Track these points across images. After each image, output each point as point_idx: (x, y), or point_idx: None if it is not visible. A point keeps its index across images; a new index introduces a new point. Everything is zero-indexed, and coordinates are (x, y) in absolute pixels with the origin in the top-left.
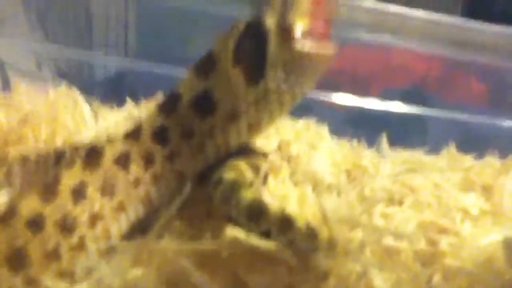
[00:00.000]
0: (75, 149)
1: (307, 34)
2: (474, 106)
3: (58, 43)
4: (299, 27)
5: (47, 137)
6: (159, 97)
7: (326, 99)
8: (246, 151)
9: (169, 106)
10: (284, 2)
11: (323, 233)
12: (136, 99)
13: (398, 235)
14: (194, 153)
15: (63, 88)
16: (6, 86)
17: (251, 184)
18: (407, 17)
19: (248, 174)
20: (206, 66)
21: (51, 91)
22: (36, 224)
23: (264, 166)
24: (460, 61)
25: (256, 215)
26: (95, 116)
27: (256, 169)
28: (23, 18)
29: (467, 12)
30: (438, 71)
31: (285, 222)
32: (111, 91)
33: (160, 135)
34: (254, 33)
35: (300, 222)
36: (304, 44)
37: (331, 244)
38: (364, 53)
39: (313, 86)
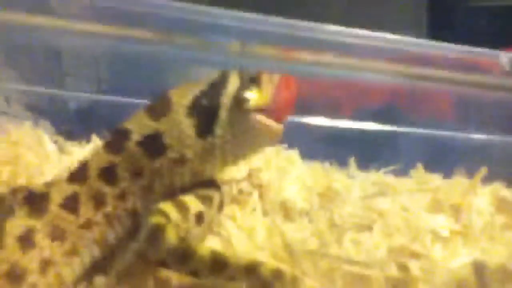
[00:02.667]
0: (14, 193)
1: (262, 109)
2: (443, 122)
3: (27, 79)
4: (254, 101)
5: (8, 178)
6: None
7: (298, 121)
8: (198, 184)
9: (117, 144)
10: (247, 74)
11: (265, 271)
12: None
13: (368, 264)
14: (144, 191)
15: (27, 127)
16: None
17: (199, 217)
18: (373, 39)
19: (194, 207)
20: (160, 109)
21: (13, 130)
22: None
23: (217, 197)
24: (427, 79)
25: (182, 259)
26: (61, 153)
27: (208, 201)
28: None
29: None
30: (407, 89)
31: (215, 265)
32: (82, 123)
33: (109, 174)
34: (213, 93)
35: (233, 262)
36: (252, 117)
37: (278, 277)
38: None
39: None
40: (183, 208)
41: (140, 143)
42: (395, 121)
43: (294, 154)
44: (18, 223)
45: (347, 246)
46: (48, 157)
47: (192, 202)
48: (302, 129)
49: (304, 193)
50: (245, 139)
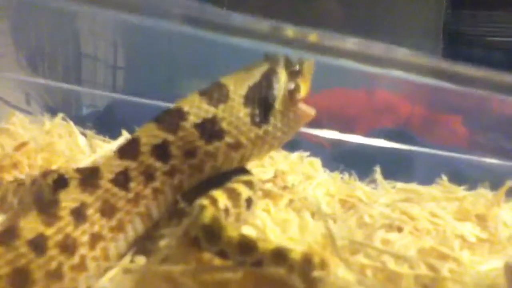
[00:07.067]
0: (44, 176)
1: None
2: (456, 145)
3: (46, 78)
4: (302, 91)
5: (43, 164)
6: None
7: (314, 135)
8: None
9: (172, 123)
10: (292, 65)
11: (294, 254)
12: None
13: (399, 259)
14: (193, 170)
15: (58, 119)
16: None
17: (249, 202)
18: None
19: (222, 202)
20: (218, 96)
21: (46, 121)
22: (38, 245)
23: (245, 194)
24: (441, 103)
25: (211, 238)
26: (91, 146)
27: (236, 197)
28: (14, 54)
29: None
30: (421, 112)
31: (243, 247)
32: (99, 125)
33: (162, 151)
34: (268, 86)
35: (261, 245)
36: (299, 106)
37: (307, 264)
38: (350, 94)
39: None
40: (234, 194)
41: (197, 125)
42: (408, 142)
43: (317, 161)
44: (71, 197)
45: (378, 244)
46: (79, 148)
47: (242, 188)
48: (319, 144)
49: (327, 198)
50: (291, 126)
